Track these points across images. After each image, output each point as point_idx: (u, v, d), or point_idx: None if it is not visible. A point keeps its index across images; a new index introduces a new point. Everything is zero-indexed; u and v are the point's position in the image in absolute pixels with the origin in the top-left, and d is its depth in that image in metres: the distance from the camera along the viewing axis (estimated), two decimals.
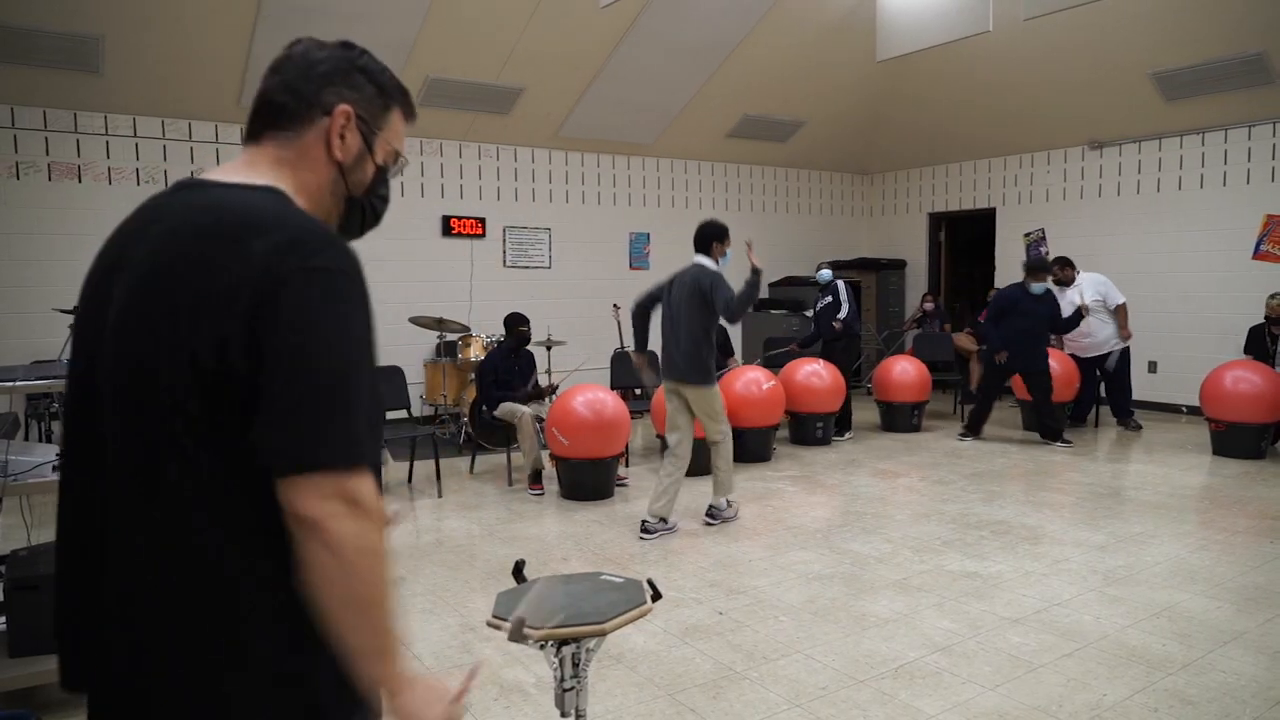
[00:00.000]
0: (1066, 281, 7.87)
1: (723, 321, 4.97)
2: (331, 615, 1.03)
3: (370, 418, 1.07)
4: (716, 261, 5.00)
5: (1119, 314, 7.86)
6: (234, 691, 1.04)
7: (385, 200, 1.30)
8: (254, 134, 1.19)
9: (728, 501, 5.19)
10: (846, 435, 7.87)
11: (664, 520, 4.97)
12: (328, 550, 1.00)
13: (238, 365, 0.99)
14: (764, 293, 10.69)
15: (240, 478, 1.02)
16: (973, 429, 7.52)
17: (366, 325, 1.07)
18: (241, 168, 1.16)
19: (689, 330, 4.93)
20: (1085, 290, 7.80)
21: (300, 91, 1.17)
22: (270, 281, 0.99)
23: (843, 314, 7.78)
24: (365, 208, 1.26)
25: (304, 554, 1.01)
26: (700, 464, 5.41)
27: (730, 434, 5.13)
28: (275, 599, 1.04)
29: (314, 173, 1.19)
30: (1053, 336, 8.03)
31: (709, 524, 5.12)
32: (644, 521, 4.96)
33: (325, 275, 1.02)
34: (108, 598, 1.06)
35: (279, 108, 1.18)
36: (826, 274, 8.03)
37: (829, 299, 7.90)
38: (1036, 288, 7.28)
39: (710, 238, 5.03)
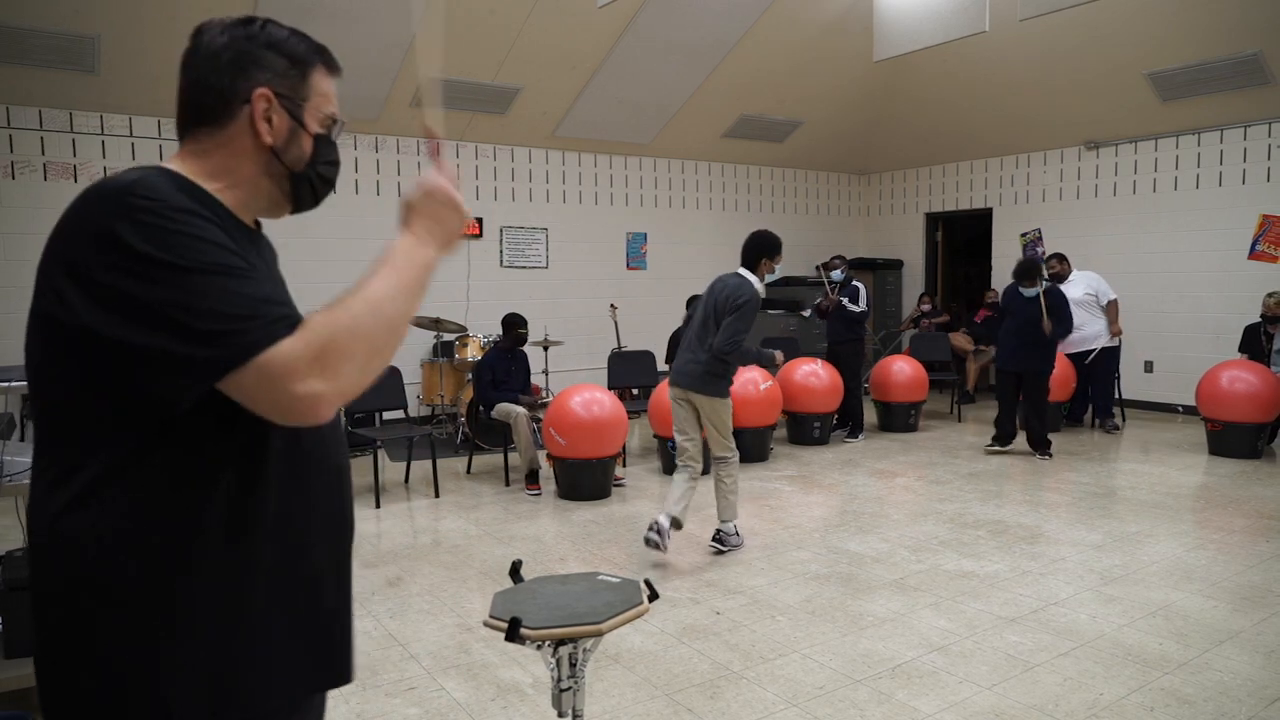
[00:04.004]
0: (1061, 277, 7.90)
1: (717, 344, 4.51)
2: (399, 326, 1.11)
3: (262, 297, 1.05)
4: (762, 278, 4.58)
5: (1110, 310, 7.87)
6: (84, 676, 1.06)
7: (335, 165, 1.27)
8: (181, 134, 1.20)
9: (735, 528, 4.71)
10: (860, 437, 7.83)
11: (677, 523, 4.56)
12: (331, 399, 1.02)
13: (74, 318, 1.02)
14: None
15: (106, 447, 1.05)
16: (1002, 440, 7.12)
17: (201, 237, 1.03)
18: (164, 162, 1.18)
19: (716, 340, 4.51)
20: (1077, 287, 7.83)
21: (214, 86, 1.15)
22: (90, 242, 1.01)
23: (858, 309, 7.67)
24: (313, 179, 1.24)
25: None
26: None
27: (738, 455, 4.70)
28: (126, 575, 1.05)
29: (243, 160, 1.17)
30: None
31: (719, 551, 4.61)
32: (656, 521, 4.51)
33: (141, 212, 1.01)
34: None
35: (199, 107, 1.17)
36: (839, 274, 7.84)
37: (844, 299, 7.73)
38: (1026, 291, 6.97)
39: (762, 253, 4.55)
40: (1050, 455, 6.99)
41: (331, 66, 1.25)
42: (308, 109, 1.21)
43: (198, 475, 1.07)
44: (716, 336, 4.50)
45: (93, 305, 1.00)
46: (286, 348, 1.00)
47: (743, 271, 4.60)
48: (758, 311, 4.56)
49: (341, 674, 1.26)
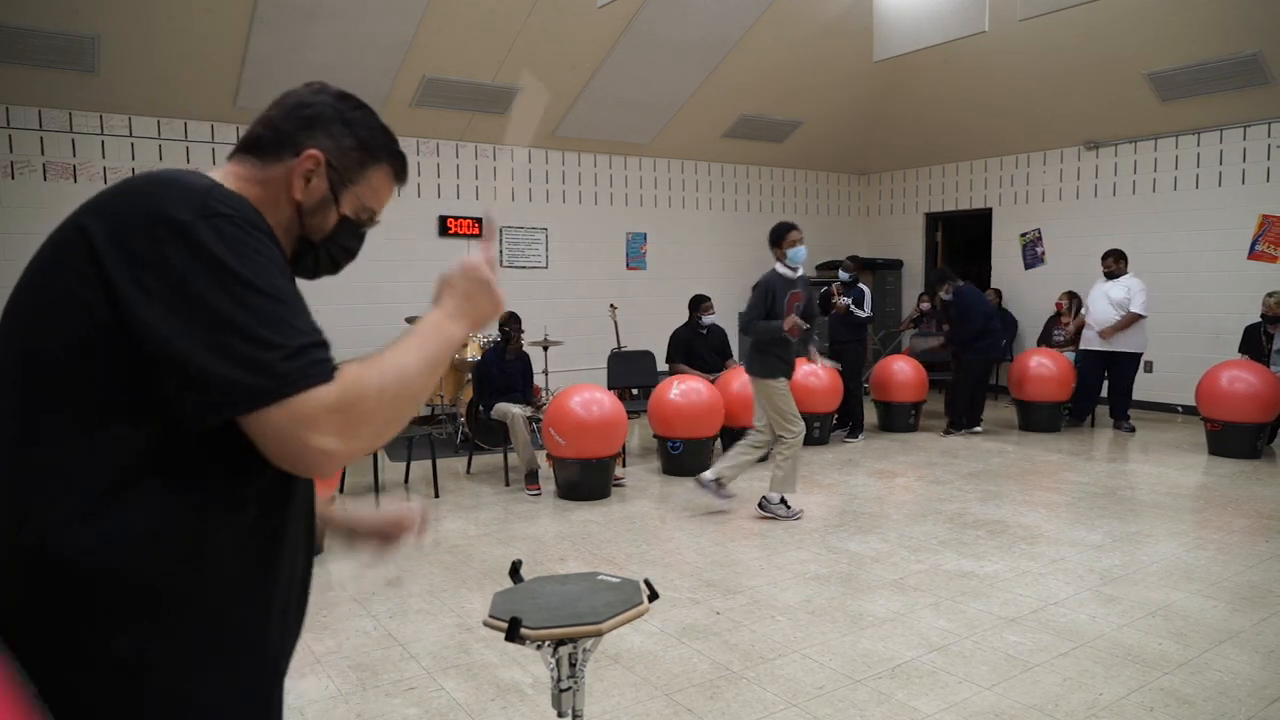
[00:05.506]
0: (1113, 275, 7.85)
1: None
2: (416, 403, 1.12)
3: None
4: (782, 261, 5.27)
5: (1123, 318, 7.70)
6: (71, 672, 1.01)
7: (350, 253, 1.30)
8: (232, 154, 1.23)
9: (785, 502, 5.28)
10: (860, 438, 7.83)
11: (720, 483, 5.33)
12: (340, 459, 1.02)
13: (120, 309, 0.98)
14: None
15: (109, 440, 1.00)
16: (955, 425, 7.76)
17: (270, 260, 1.05)
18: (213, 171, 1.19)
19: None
20: (1118, 288, 7.76)
21: (279, 129, 1.21)
22: (160, 226, 1.00)
23: (864, 314, 7.74)
24: (321, 254, 1.26)
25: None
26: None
27: (801, 436, 5.25)
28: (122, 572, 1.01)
29: (278, 206, 1.20)
30: (1059, 332, 8.89)
31: (763, 516, 5.29)
32: (700, 476, 5.39)
33: (221, 219, 1.02)
34: None
35: (256, 139, 1.21)
36: (846, 274, 7.88)
37: (850, 301, 7.75)
38: (944, 297, 8.01)
39: (771, 245, 5.33)
40: (953, 433, 7.87)
41: (399, 175, 1.30)
42: (350, 191, 1.24)
43: (229, 472, 1.07)
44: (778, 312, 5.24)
45: (148, 300, 0.98)
46: (320, 395, 1.00)
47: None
48: (769, 291, 5.22)
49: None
